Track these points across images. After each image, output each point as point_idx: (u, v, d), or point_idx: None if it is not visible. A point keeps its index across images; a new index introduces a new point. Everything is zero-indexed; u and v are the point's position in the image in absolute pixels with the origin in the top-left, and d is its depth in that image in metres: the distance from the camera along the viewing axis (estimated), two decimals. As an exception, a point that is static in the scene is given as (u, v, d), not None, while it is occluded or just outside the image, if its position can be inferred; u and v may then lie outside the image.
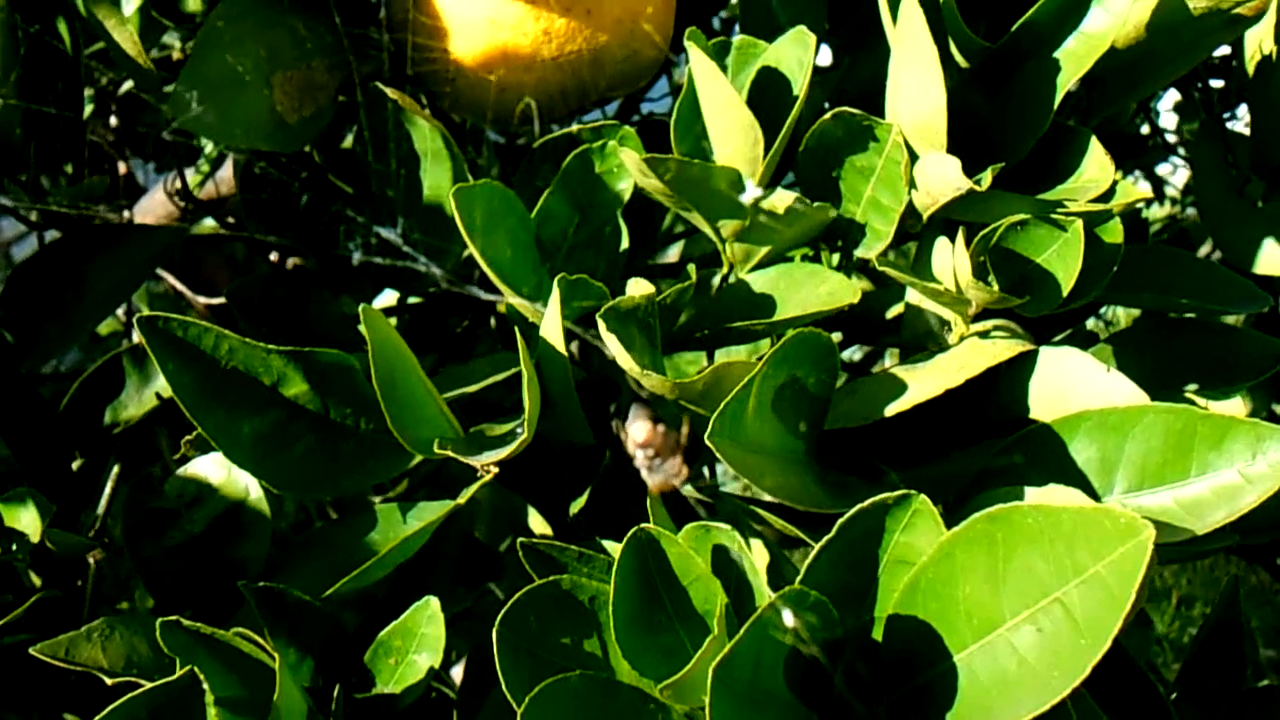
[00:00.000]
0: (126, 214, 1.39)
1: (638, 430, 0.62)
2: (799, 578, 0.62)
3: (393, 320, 1.15)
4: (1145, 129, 1.45)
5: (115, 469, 0.91)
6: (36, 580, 0.82)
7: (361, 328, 0.68)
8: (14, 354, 0.86)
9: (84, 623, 0.68)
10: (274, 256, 1.02)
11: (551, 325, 0.71)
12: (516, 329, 0.70)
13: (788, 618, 0.58)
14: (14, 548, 0.74)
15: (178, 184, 1.30)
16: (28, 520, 0.74)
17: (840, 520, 0.63)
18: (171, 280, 1.22)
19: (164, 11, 0.92)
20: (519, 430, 0.72)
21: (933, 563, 0.62)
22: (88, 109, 1.22)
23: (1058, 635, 0.58)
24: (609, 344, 0.68)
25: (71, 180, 0.87)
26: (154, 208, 1.34)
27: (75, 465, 0.91)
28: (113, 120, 1.34)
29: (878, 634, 0.64)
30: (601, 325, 0.69)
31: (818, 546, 0.62)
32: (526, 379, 0.68)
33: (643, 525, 0.64)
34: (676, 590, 0.65)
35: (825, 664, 0.62)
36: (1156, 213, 2.11)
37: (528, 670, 0.65)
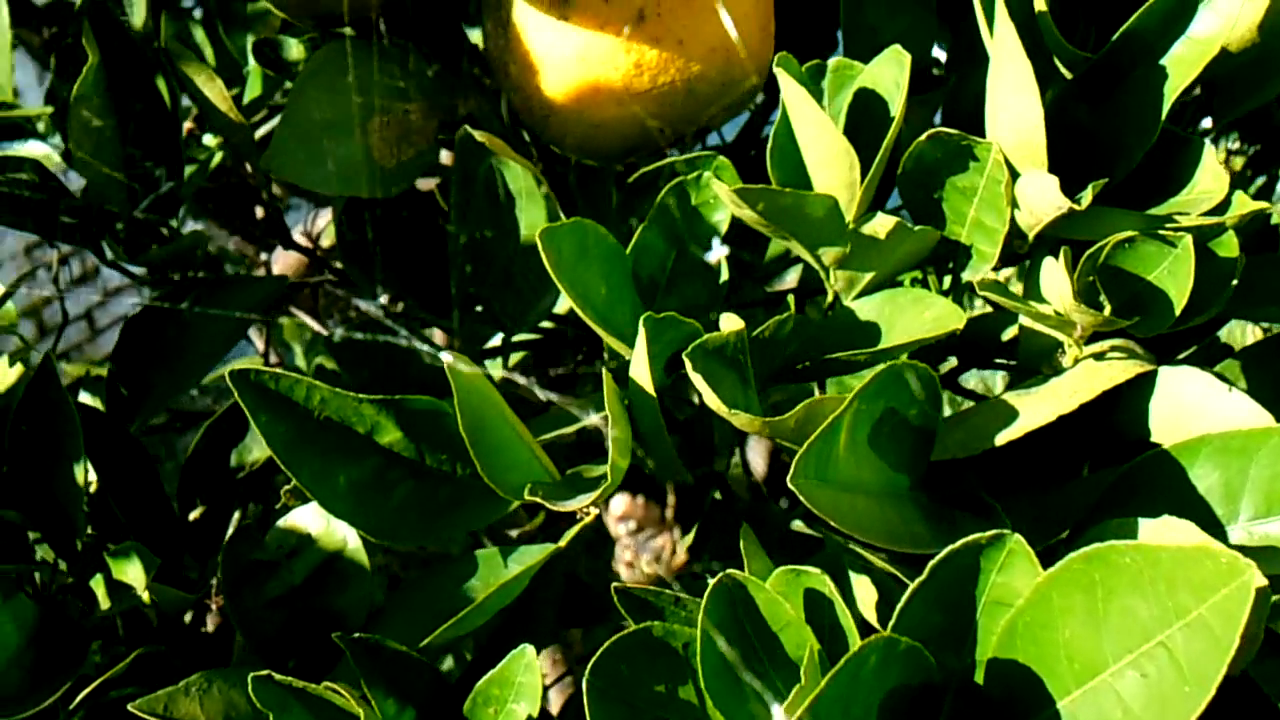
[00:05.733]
0: (264, 256, 1.42)
1: (616, 503, 0.60)
2: (890, 623, 0.60)
3: (517, 356, 1.15)
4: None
5: (236, 516, 0.92)
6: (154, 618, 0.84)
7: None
8: (125, 408, 0.87)
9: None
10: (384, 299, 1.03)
11: (639, 365, 0.70)
12: (604, 370, 0.69)
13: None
14: (112, 604, 0.75)
15: (313, 225, 1.32)
16: (134, 574, 0.75)
17: (931, 562, 0.60)
18: (304, 317, 1.24)
19: (266, 62, 0.93)
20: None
21: (1030, 605, 0.59)
22: (218, 156, 1.25)
23: (1162, 681, 0.55)
24: (696, 383, 0.67)
25: (171, 236, 0.88)
26: (288, 254, 1.37)
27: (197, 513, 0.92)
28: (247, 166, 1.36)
29: (979, 677, 0.62)
30: (688, 364, 0.67)
31: (909, 590, 0.60)
32: (612, 421, 0.67)
33: (729, 571, 0.63)
34: (768, 637, 0.63)
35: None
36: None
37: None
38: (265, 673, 0.65)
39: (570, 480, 0.73)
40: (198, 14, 1.37)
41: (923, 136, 0.75)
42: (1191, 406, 0.72)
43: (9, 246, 3.44)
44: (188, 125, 1.32)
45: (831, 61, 0.80)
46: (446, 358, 0.64)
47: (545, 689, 1.17)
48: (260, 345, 1.43)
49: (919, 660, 0.60)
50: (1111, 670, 0.57)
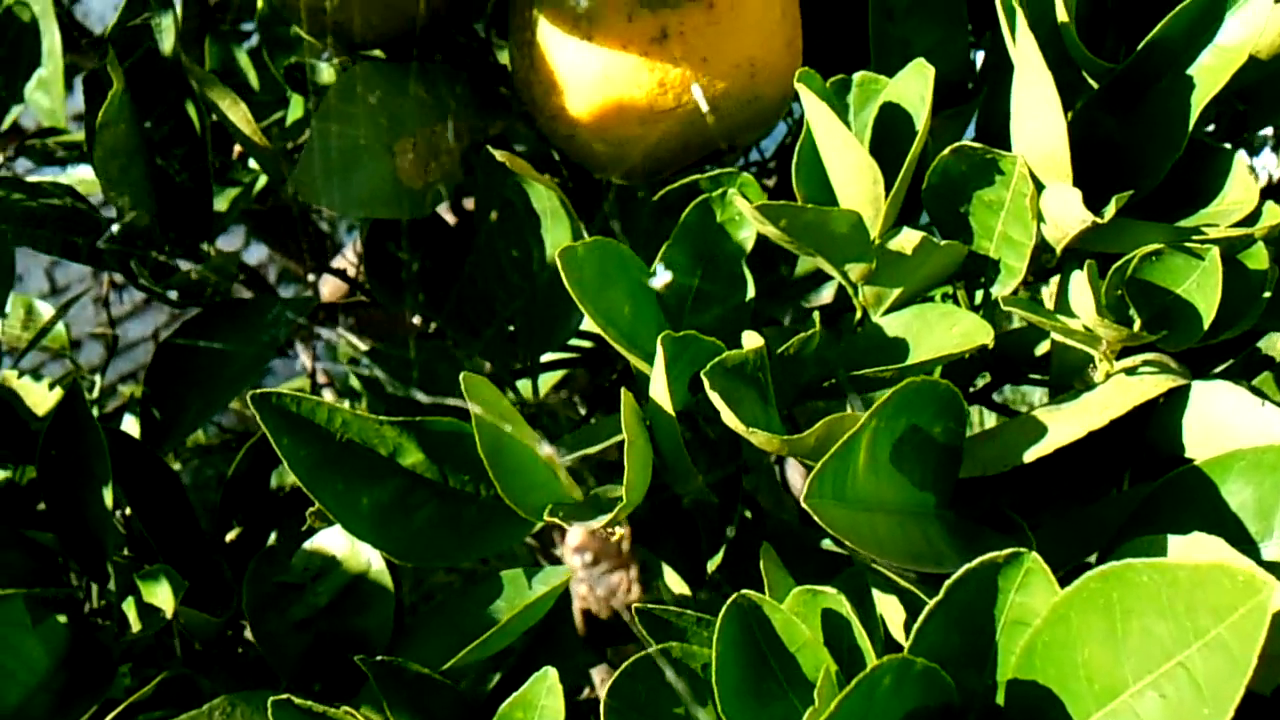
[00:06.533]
0: (311, 276, 1.43)
1: (572, 534, 0.59)
2: (908, 644, 0.59)
3: (556, 375, 1.15)
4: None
5: (273, 536, 0.92)
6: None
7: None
8: (159, 430, 0.88)
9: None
10: (416, 320, 1.03)
11: (658, 385, 0.70)
12: (622, 390, 0.69)
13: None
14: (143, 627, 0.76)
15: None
16: (163, 597, 0.76)
17: (948, 582, 0.59)
18: (349, 337, 1.25)
19: (296, 85, 0.94)
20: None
21: (1048, 625, 0.58)
22: (263, 179, 1.25)
23: (1182, 703, 0.54)
24: (714, 402, 0.66)
25: (202, 256, 0.89)
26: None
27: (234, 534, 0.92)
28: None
29: (1000, 699, 0.61)
30: (706, 383, 0.67)
31: (926, 610, 0.59)
32: (628, 443, 0.67)
33: (744, 592, 0.62)
34: (785, 657, 0.63)
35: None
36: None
37: (639, 742, 0.63)
38: (284, 696, 0.65)
39: (592, 500, 0.73)
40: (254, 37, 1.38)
41: (946, 150, 0.74)
42: (1224, 421, 0.71)
43: (77, 270, 3.49)
44: (238, 148, 1.33)
45: (856, 76, 0.79)
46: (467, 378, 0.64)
47: (599, 706, 1.17)
48: (309, 363, 1.44)
49: (936, 681, 0.59)
50: (1131, 691, 0.56)
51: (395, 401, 0.84)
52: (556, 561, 0.82)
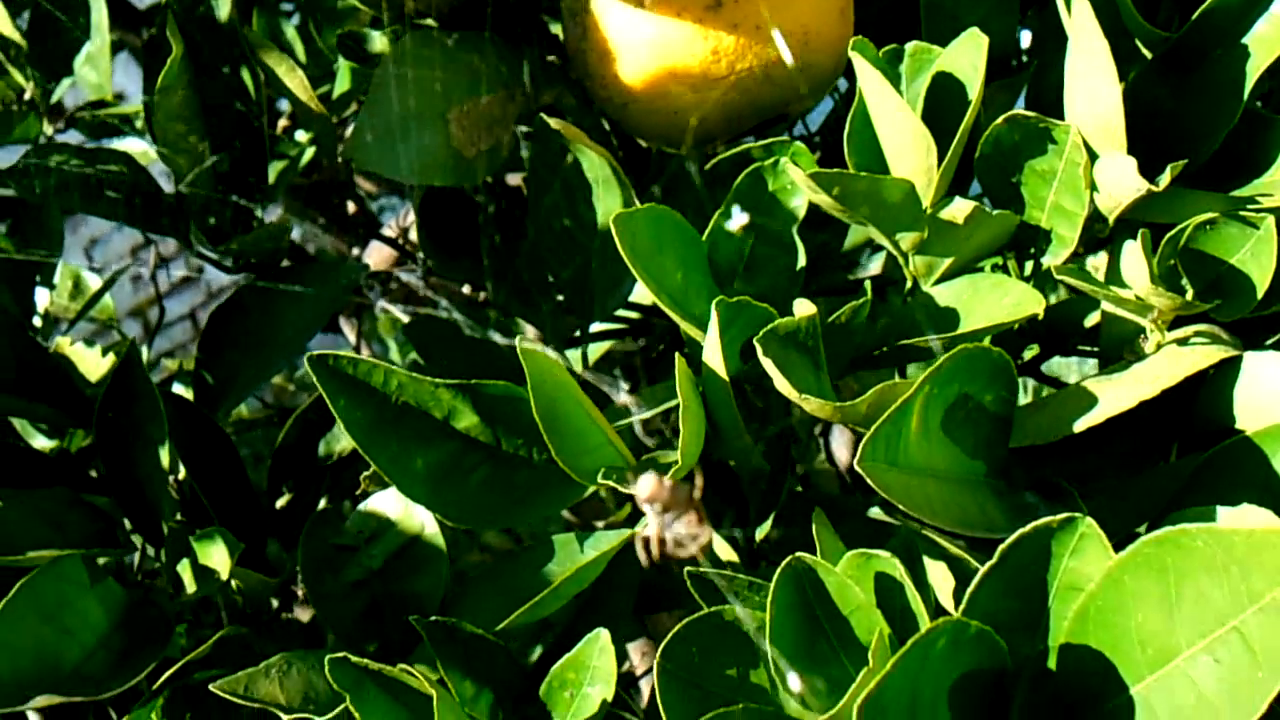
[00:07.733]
0: (355, 250, 1.44)
1: (644, 484, 0.59)
2: (961, 607, 0.60)
3: (604, 345, 1.16)
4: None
5: (323, 502, 0.93)
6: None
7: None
8: (212, 395, 0.89)
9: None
10: (467, 289, 1.04)
11: (712, 351, 0.70)
12: (677, 355, 0.69)
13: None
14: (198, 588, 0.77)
15: (405, 220, 1.33)
16: (219, 558, 0.77)
17: (1001, 546, 0.60)
18: (394, 310, 1.25)
19: (350, 55, 0.95)
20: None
21: (1102, 589, 0.58)
22: (310, 151, 1.26)
23: (1235, 667, 0.54)
24: (767, 368, 0.67)
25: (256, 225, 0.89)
26: (380, 249, 1.38)
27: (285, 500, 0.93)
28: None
29: (1052, 663, 0.61)
30: (759, 349, 0.67)
31: (980, 574, 0.60)
32: (683, 407, 0.67)
33: (799, 555, 0.62)
34: (838, 620, 0.63)
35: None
36: None
37: (692, 703, 0.64)
38: (341, 654, 0.66)
39: (645, 465, 0.73)
40: (295, 17, 1.39)
41: (999, 119, 0.74)
42: (1275, 392, 0.71)
43: (115, 248, 3.51)
44: (283, 123, 1.34)
45: (909, 46, 0.79)
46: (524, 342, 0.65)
47: (636, 680, 1.18)
48: (353, 338, 1.45)
49: (990, 644, 0.59)
50: (1184, 655, 0.56)
51: (444, 367, 0.84)
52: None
